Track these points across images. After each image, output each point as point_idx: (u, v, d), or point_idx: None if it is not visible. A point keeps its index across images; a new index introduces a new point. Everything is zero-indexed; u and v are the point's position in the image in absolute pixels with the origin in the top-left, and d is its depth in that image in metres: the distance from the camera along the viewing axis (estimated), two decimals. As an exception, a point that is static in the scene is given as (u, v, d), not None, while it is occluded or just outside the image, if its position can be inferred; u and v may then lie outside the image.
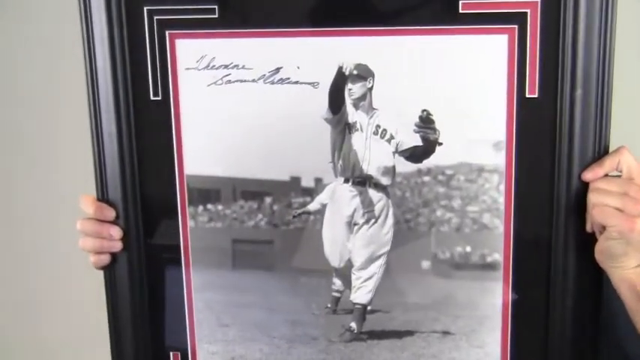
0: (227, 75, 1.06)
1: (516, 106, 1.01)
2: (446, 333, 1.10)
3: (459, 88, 1.03)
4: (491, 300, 1.08)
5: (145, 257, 1.14)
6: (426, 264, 1.09)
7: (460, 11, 1.00)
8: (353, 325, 1.12)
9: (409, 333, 1.11)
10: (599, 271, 1.02)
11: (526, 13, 0.98)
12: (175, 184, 1.11)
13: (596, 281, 1.04)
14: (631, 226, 0.94)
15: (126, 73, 1.07)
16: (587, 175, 1.00)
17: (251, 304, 1.14)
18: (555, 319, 1.05)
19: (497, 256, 1.06)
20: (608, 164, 0.99)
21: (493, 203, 1.05)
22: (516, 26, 0.99)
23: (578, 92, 0.99)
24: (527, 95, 1.01)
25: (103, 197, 1.11)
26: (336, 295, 1.12)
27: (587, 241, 1.01)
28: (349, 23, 1.03)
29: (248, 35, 1.05)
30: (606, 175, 0.99)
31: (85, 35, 1.07)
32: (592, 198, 0.99)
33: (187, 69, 1.07)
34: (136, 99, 1.08)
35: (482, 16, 1.00)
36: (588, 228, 1.01)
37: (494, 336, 1.08)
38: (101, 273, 1.14)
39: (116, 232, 1.11)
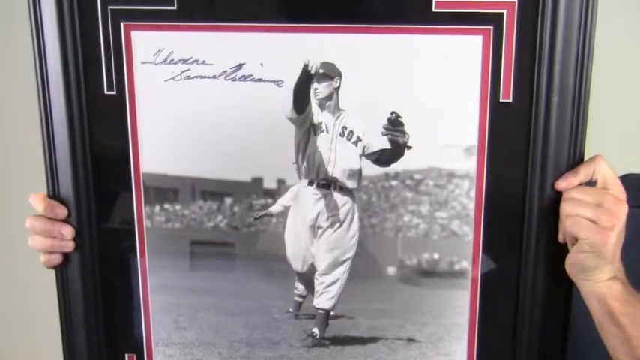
0: (186, 70, 1.00)
1: (489, 110, 0.97)
2: (411, 340, 1.06)
3: (431, 90, 0.98)
4: (458, 308, 1.04)
5: (99, 257, 1.08)
6: (392, 270, 1.05)
7: (433, 10, 0.94)
8: (315, 330, 1.08)
9: (373, 339, 1.07)
10: (570, 282, 0.98)
11: (502, 13, 0.93)
12: (131, 183, 1.05)
13: (565, 292, 1.01)
14: (604, 239, 0.91)
15: (78, 65, 1.01)
16: (561, 185, 0.96)
17: (210, 307, 1.10)
18: (523, 328, 1.02)
19: (466, 264, 1.03)
20: (582, 173, 0.95)
21: (463, 210, 1.01)
22: (492, 27, 0.94)
23: (555, 98, 0.94)
24: (501, 100, 0.96)
25: (54, 195, 1.06)
26: (299, 299, 1.08)
27: (559, 251, 0.98)
28: (316, 19, 0.97)
29: (209, 29, 0.99)
30: (580, 185, 0.96)
31: (34, 25, 1.00)
32: (565, 208, 0.95)
33: (144, 63, 1.01)
34: (89, 93, 1.02)
35: (456, 16, 0.95)
36: (560, 238, 0.97)
37: (461, 344, 1.05)
38: (53, 272, 1.09)
39: (68, 231, 1.05)
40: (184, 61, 1.00)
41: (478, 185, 1.00)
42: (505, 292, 1.03)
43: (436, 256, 1.04)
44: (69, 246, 1.06)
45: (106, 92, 1.02)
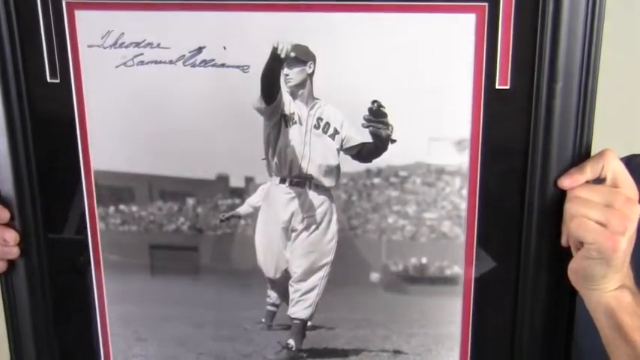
0: (139, 55, 0.88)
1: (484, 98, 0.85)
2: (397, 352, 0.96)
3: (417, 77, 0.86)
4: (449, 317, 0.94)
5: (48, 264, 0.98)
6: (375, 276, 0.94)
7: (420, -16, 0.83)
8: (291, 341, 0.98)
9: (355, 352, 0.97)
10: (573, 290, 0.88)
11: (499, -13, 0.82)
12: (81, 181, 0.94)
13: (568, 302, 0.91)
14: (614, 245, 0.80)
15: (15, 51, 0.89)
16: (565, 182, 0.85)
17: (173, 317, 0.99)
18: (521, 340, 0.92)
19: (458, 269, 0.92)
20: (590, 170, 0.84)
21: (454, 209, 0.90)
22: (486, 4, 0.82)
23: (559, 85, 0.83)
24: (498, 86, 0.85)
25: (-7, 196, 0.95)
26: (272, 309, 0.98)
27: (561, 255, 0.87)
28: (286, -4, 0.85)
29: (164, 7, 0.87)
30: (587, 182, 0.85)
31: (-41, 6, 0.88)
32: (570, 208, 0.84)
33: (90, 46, 0.89)
34: (29, 81, 0.91)
35: (446, -9, 0.83)
36: (564, 242, 0.87)
37: (452, 357, 0.95)
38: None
39: (11, 236, 0.94)
40: (137, 45, 0.88)
41: (471, 182, 0.88)
42: (501, 300, 0.93)
43: (424, 260, 0.93)
44: (13, 252, 0.95)
45: (48, 80, 0.91)
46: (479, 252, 0.91)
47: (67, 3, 0.87)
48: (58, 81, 0.90)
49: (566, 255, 0.87)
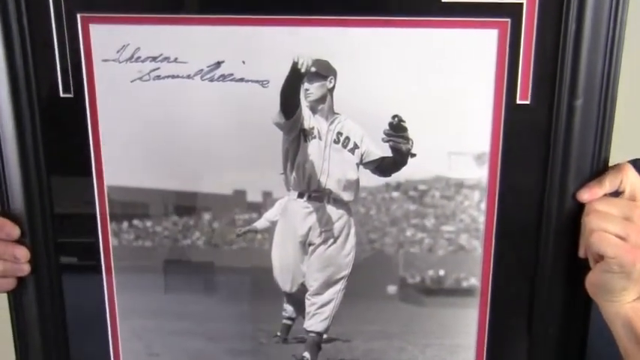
0: (155, 69, 0.86)
1: (504, 113, 0.86)
2: (412, 363, 0.97)
3: (438, 91, 0.86)
4: (465, 328, 0.94)
5: (59, 280, 0.95)
6: (392, 289, 0.94)
7: (442, 0, 0.82)
8: (306, 355, 0.97)
9: (370, 363, 0.97)
10: (588, 301, 0.89)
11: (521, 4, 0.81)
12: (94, 197, 0.92)
13: (583, 312, 0.91)
14: (634, 259, 0.81)
15: (27, 65, 0.87)
16: (584, 195, 0.86)
17: (186, 332, 0.97)
18: (537, 351, 0.93)
19: (475, 281, 0.93)
20: (608, 183, 0.85)
21: (472, 223, 0.90)
22: (509, 20, 0.82)
23: (579, 101, 0.83)
24: (518, 101, 0.85)
25: (4, 212, 0.92)
26: (288, 322, 0.97)
27: (577, 267, 0.88)
28: (307, 10, 0.84)
29: (181, 22, 0.85)
30: (605, 195, 0.86)
31: (-27, 20, 0.85)
32: (589, 222, 0.84)
33: (105, 61, 0.87)
34: (41, 96, 0.88)
35: (468, 7, 0.82)
36: (581, 254, 0.87)
37: (466, 367, 0.96)
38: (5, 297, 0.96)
39: (21, 253, 0.92)
40: (153, 59, 0.86)
41: (490, 196, 0.89)
42: (517, 311, 0.93)
43: (442, 272, 0.93)
44: (23, 270, 0.93)
45: (61, 95, 0.88)
46: (496, 264, 0.92)
47: (81, 17, 0.85)
48: (71, 96, 0.88)
49: (582, 267, 0.87)
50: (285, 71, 0.86)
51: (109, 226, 0.93)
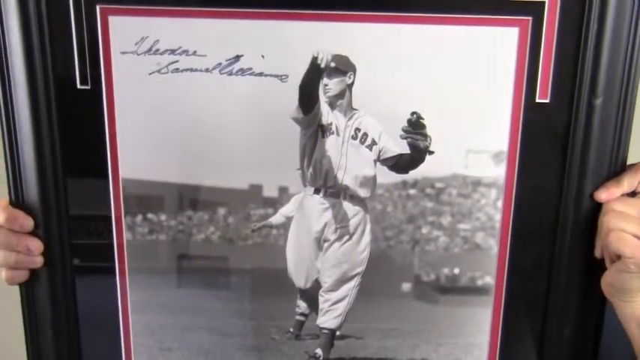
0: (174, 62, 0.86)
1: (523, 111, 0.86)
2: (425, 361, 0.97)
3: (457, 89, 0.86)
4: (478, 326, 0.94)
5: (71, 273, 0.94)
6: (406, 286, 0.94)
7: (464, -3, 0.82)
8: (319, 351, 0.97)
9: (383, 361, 0.97)
10: (603, 301, 0.89)
11: (543, 2, 0.82)
12: (109, 190, 0.91)
13: (598, 313, 0.92)
14: (652, 260, 0.81)
15: (45, 57, 0.86)
16: (602, 195, 0.86)
17: (199, 327, 0.97)
18: (551, 351, 0.93)
19: (490, 280, 0.92)
20: (627, 183, 0.85)
21: (488, 221, 0.90)
22: (530, 18, 0.82)
23: (599, 100, 0.83)
24: (538, 100, 0.85)
25: (18, 203, 0.91)
26: (301, 318, 0.97)
27: (593, 267, 0.88)
28: (328, 5, 0.84)
29: (201, 15, 0.85)
30: (623, 195, 0.86)
31: (-8, 9, 0.84)
32: (607, 222, 0.84)
33: (124, 53, 0.86)
34: (58, 87, 0.87)
35: (489, 4, 0.83)
36: (597, 253, 0.87)
37: (479, 366, 0.96)
38: (17, 290, 0.95)
39: (35, 245, 0.91)
40: (172, 52, 0.86)
41: (507, 194, 0.89)
42: (531, 311, 0.93)
43: (457, 271, 0.93)
44: (36, 262, 0.92)
45: (79, 87, 0.87)
46: (511, 262, 0.92)
47: (100, 8, 0.84)
48: (88, 87, 0.87)
49: (597, 267, 0.88)
50: (304, 66, 0.86)
51: (124, 219, 0.93)
